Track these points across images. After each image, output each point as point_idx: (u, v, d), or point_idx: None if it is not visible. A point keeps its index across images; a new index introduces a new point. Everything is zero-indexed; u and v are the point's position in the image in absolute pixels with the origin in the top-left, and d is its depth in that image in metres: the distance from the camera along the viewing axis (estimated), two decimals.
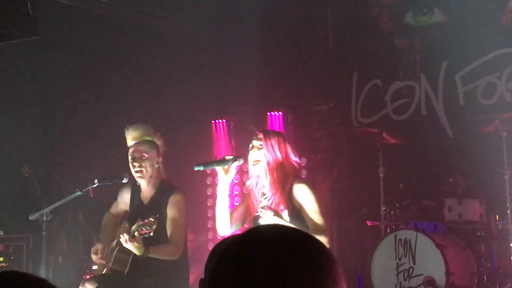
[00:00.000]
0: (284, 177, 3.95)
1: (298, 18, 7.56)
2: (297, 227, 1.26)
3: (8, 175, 6.25)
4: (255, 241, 1.11)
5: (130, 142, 4.62)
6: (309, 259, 1.08)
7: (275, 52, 7.54)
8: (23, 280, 1.33)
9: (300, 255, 1.08)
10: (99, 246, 4.55)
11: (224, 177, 4.02)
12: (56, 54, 6.89)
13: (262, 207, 4.00)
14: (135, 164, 4.51)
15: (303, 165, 6.01)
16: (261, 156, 3.97)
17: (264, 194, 4.03)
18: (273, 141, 3.98)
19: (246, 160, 4.12)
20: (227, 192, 4.06)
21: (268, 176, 3.96)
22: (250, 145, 4.05)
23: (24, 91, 6.82)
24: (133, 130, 4.61)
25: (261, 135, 4.03)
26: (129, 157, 4.57)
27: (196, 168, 4.12)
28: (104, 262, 4.53)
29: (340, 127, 7.28)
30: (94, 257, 4.53)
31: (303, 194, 3.95)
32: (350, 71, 7.24)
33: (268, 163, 3.95)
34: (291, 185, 3.95)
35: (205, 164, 4.20)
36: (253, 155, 4.01)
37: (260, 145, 3.99)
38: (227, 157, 4.07)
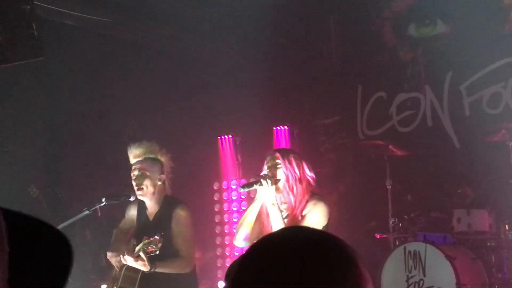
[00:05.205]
0: (302, 193, 4.00)
1: (302, 33, 7.59)
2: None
3: (16, 195, 6.25)
4: (275, 246, 1.14)
5: (132, 160, 4.64)
6: (330, 261, 1.08)
7: (280, 67, 7.56)
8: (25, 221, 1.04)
9: (323, 258, 1.08)
10: (113, 252, 4.51)
11: (262, 195, 4.03)
12: (62, 75, 6.92)
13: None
14: (135, 182, 4.54)
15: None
16: (280, 174, 4.01)
17: (281, 211, 4.05)
18: (291, 159, 4.04)
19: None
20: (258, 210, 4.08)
21: (288, 193, 4.00)
22: (266, 165, 4.07)
23: (30, 112, 6.84)
24: (135, 148, 4.63)
25: (277, 154, 4.09)
26: (131, 175, 4.59)
27: (241, 190, 4.24)
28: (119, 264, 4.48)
29: (346, 140, 7.28)
30: (113, 260, 4.50)
31: (311, 210, 3.97)
32: (354, 84, 7.25)
33: (287, 181, 3.99)
34: (307, 201, 3.99)
35: (248, 184, 4.20)
36: (270, 173, 4.03)
37: (278, 163, 4.02)
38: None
